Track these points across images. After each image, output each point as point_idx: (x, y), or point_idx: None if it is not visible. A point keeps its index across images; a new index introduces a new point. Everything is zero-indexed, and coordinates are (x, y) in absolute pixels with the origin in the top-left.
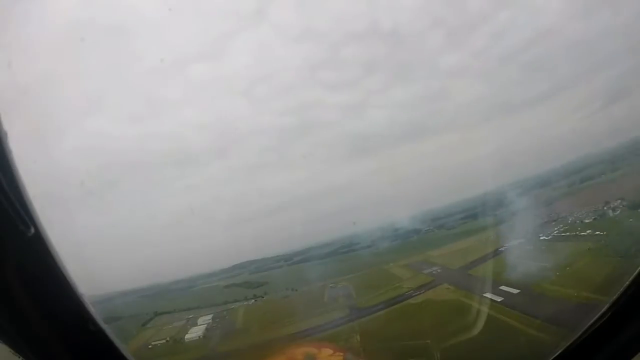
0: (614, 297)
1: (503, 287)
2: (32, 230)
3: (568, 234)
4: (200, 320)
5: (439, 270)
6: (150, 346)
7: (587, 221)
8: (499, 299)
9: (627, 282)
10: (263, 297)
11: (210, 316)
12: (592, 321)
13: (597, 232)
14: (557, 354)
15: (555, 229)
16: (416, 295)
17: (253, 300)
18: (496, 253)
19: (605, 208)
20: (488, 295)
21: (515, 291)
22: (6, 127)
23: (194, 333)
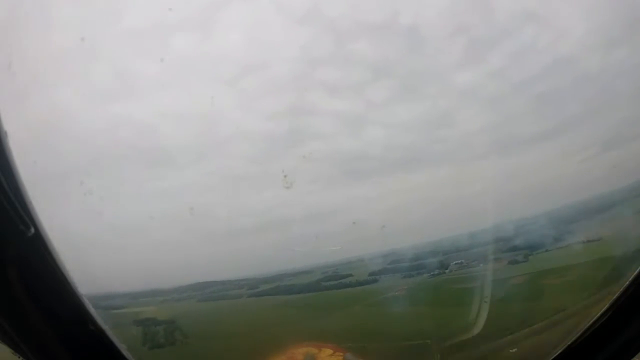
0: (614, 297)
1: None
2: (32, 230)
3: None
4: None
5: None
6: None
7: None
8: None
9: (627, 282)
10: None
11: None
12: (592, 321)
13: None
14: (557, 354)
15: None
16: None
17: None
18: None
19: None
20: None
21: None
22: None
23: None
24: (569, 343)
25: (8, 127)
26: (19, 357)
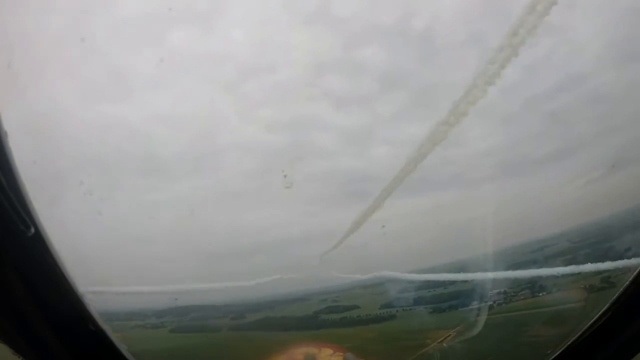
0: (614, 297)
1: None
2: (32, 230)
3: None
4: None
5: None
6: None
7: None
8: None
9: (627, 282)
10: None
11: None
12: (592, 321)
13: None
14: (557, 354)
15: None
16: None
17: None
18: None
19: None
20: None
21: None
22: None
23: None
24: (569, 343)
25: (8, 127)
26: (19, 357)
